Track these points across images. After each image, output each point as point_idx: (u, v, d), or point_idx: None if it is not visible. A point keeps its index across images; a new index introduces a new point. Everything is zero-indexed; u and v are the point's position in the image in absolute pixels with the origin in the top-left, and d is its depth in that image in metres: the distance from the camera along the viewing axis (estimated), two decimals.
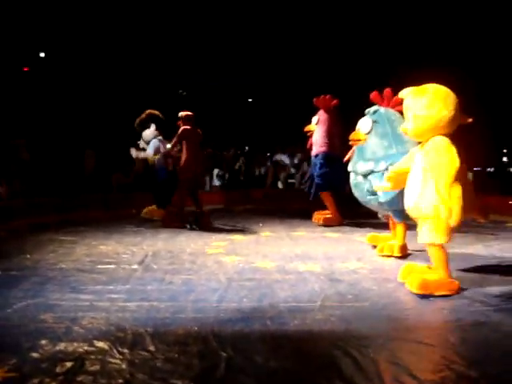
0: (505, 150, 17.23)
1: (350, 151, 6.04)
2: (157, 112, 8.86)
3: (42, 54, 16.65)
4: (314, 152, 8.17)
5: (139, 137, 8.95)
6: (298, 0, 15.97)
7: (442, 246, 4.03)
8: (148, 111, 8.86)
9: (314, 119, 8.19)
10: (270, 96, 20.98)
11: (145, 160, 8.79)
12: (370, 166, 5.54)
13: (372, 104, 5.80)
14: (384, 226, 6.14)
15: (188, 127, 7.76)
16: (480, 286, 4.27)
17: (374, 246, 5.85)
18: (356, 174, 5.77)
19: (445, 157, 3.89)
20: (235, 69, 19.22)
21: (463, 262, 4.92)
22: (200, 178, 8.29)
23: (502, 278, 4.54)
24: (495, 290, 4.15)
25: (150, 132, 8.75)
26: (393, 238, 5.83)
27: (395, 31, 15.73)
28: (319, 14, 16.23)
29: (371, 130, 5.61)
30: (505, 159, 17.73)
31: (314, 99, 8.16)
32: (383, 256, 5.52)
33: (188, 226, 7.66)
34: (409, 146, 5.08)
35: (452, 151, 3.90)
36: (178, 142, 7.77)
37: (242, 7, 16.44)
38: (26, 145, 11.99)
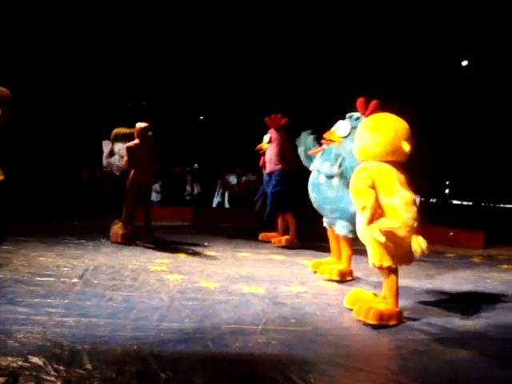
0: (447, 182, 17.71)
1: (320, 148, 5.91)
2: (122, 131, 8.77)
3: None
4: (268, 170, 8.20)
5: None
6: (250, 19, 16.07)
7: (392, 271, 4.08)
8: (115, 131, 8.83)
9: (266, 137, 8.28)
10: (222, 114, 21.01)
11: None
12: (335, 169, 5.52)
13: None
14: (328, 250, 6.16)
15: (134, 143, 7.57)
16: (421, 315, 4.33)
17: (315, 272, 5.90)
18: (319, 173, 5.75)
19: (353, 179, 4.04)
20: (188, 85, 19.19)
21: (405, 292, 4.96)
22: (147, 192, 8.01)
23: (442, 307, 4.61)
24: (435, 319, 4.22)
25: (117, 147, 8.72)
26: (335, 261, 5.91)
27: (348, 56, 16.05)
28: (271, 34, 16.38)
29: (349, 134, 5.50)
30: (447, 191, 18.23)
31: (266, 118, 8.25)
32: (324, 279, 5.58)
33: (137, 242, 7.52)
34: None
35: (360, 174, 4.01)
36: (130, 159, 7.60)
37: (198, 22, 16.43)
38: None
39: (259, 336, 3.58)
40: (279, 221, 8.40)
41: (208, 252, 7.24)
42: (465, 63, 16.91)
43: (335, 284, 5.45)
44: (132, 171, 7.60)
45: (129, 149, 7.54)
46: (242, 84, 18.34)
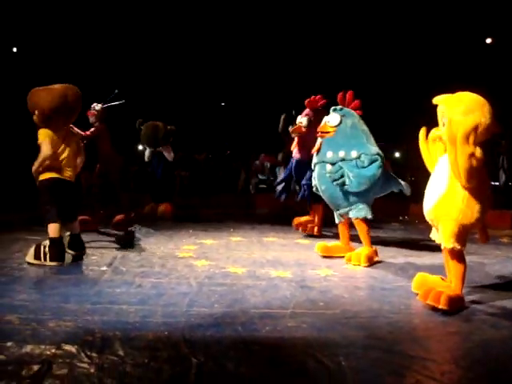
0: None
1: (318, 144, 5.95)
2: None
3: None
4: (304, 157, 7.47)
5: None
6: (271, 6, 16.02)
7: (462, 254, 4.01)
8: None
9: (304, 120, 7.49)
10: (244, 100, 20.97)
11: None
12: (341, 154, 5.64)
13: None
14: (356, 237, 6.08)
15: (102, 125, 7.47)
16: None
17: (324, 256, 5.89)
18: (324, 163, 5.79)
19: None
20: (208, 72, 19.18)
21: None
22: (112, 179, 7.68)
23: (471, 289, 4.54)
24: (465, 301, 4.17)
25: None
26: (342, 245, 6.00)
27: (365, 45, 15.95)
28: (292, 20, 16.31)
29: (340, 122, 5.74)
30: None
31: (306, 101, 7.59)
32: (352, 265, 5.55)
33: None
34: (373, 140, 5.73)
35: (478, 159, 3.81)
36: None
37: (214, 10, 16.40)
38: None
39: (288, 320, 3.58)
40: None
41: (234, 238, 7.26)
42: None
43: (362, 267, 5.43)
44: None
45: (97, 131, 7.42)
46: (262, 70, 18.30)
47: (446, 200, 3.95)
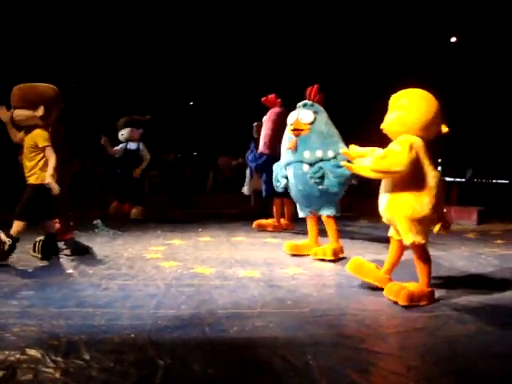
0: (439, 160, 17.73)
1: (294, 141, 5.78)
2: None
3: None
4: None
5: None
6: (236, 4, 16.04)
7: (424, 249, 4.12)
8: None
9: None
10: (212, 99, 20.91)
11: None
12: (318, 154, 5.59)
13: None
14: (325, 233, 6.11)
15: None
16: None
17: (293, 255, 5.93)
18: (301, 163, 5.71)
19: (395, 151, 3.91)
20: (176, 70, 19.10)
21: (399, 270, 4.92)
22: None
23: (438, 284, 4.58)
24: None
25: None
26: (311, 243, 6.01)
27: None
28: (260, 18, 16.34)
29: (314, 119, 5.69)
30: (439, 168, 18.26)
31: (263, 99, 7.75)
32: (318, 260, 5.63)
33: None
34: (339, 137, 5.77)
35: (404, 148, 3.89)
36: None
37: (182, 10, 16.34)
38: None
39: (256, 319, 3.57)
40: (274, 207, 8.18)
41: (202, 237, 7.24)
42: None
43: (331, 265, 5.47)
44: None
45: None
46: (230, 69, 18.29)
47: (396, 198, 4.03)
